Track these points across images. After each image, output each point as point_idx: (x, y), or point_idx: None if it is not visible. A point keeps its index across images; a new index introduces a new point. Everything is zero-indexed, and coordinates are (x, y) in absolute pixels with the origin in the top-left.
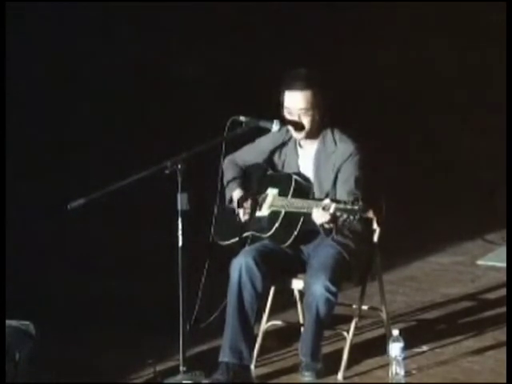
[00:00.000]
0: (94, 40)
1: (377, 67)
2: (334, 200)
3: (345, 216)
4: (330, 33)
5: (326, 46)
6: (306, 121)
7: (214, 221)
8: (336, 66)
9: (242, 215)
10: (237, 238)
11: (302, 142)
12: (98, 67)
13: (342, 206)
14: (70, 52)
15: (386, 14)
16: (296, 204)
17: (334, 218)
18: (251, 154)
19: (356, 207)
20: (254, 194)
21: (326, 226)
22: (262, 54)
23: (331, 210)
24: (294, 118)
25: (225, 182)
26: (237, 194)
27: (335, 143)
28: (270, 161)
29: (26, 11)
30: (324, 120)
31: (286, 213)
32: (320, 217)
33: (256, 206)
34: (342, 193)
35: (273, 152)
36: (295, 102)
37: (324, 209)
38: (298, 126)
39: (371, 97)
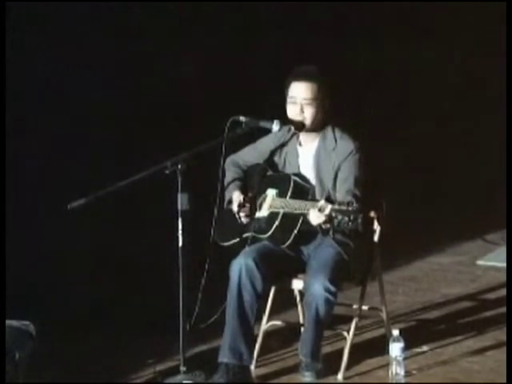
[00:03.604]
0: (94, 40)
1: (377, 67)
2: (329, 201)
3: (340, 217)
4: (330, 33)
5: (325, 46)
6: (308, 112)
7: (214, 222)
8: (336, 66)
9: (243, 218)
10: (237, 239)
11: (303, 141)
12: (98, 67)
13: (337, 207)
14: (70, 51)
15: (386, 14)
16: (294, 205)
17: (329, 219)
18: (252, 154)
19: (351, 208)
20: (253, 197)
21: (323, 226)
22: (262, 54)
23: (326, 212)
24: (297, 107)
25: (225, 184)
26: (236, 196)
27: (335, 141)
28: (270, 161)
29: (24, 11)
30: (326, 116)
31: (285, 213)
32: (316, 218)
33: (255, 209)
34: (341, 192)
35: (273, 152)
36: (301, 92)
37: (320, 210)
38: (299, 125)
39: (371, 96)
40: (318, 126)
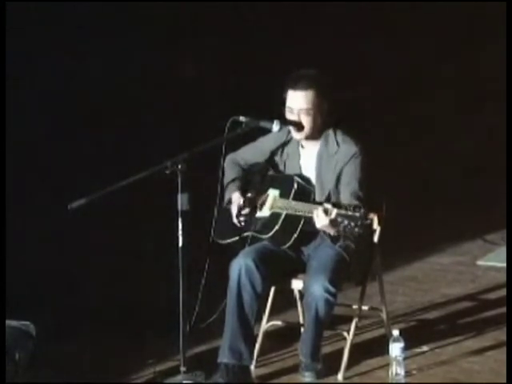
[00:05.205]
0: (95, 40)
1: (377, 67)
2: (335, 205)
3: (346, 222)
4: (330, 33)
5: (326, 46)
6: (306, 121)
7: (213, 221)
8: (336, 67)
9: (242, 219)
10: (236, 237)
11: (304, 143)
12: (99, 67)
13: (343, 212)
14: (71, 51)
15: (386, 13)
16: (297, 207)
17: (334, 224)
18: (253, 153)
19: (357, 214)
20: (252, 198)
21: (328, 231)
22: (262, 54)
23: (332, 216)
24: (295, 117)
25: (225, 182)
26: (236, 197)
27: (337, 144)
28: (271, 161)
29: (25, 10)
30: (325, 121)
31: (286, 214)
32: (321, 221)
33: (255, 209)
34: (345, 194)
35: (274, 152)
36: (297, 102)
37: (325, 213)
38: (298, 126)
39: (371, 97)
40: (317, 132)
